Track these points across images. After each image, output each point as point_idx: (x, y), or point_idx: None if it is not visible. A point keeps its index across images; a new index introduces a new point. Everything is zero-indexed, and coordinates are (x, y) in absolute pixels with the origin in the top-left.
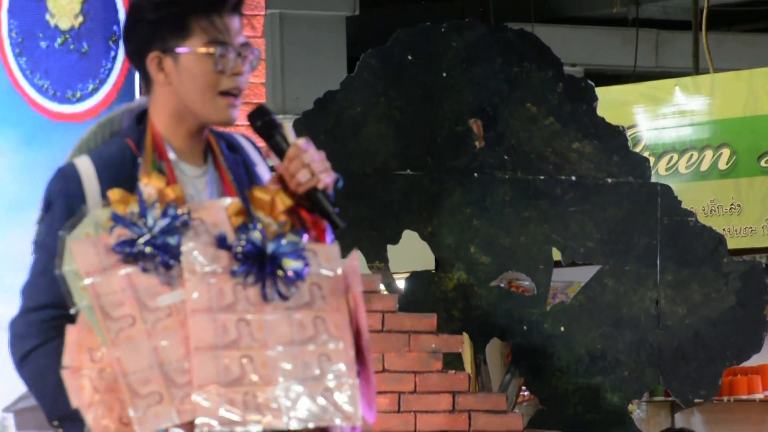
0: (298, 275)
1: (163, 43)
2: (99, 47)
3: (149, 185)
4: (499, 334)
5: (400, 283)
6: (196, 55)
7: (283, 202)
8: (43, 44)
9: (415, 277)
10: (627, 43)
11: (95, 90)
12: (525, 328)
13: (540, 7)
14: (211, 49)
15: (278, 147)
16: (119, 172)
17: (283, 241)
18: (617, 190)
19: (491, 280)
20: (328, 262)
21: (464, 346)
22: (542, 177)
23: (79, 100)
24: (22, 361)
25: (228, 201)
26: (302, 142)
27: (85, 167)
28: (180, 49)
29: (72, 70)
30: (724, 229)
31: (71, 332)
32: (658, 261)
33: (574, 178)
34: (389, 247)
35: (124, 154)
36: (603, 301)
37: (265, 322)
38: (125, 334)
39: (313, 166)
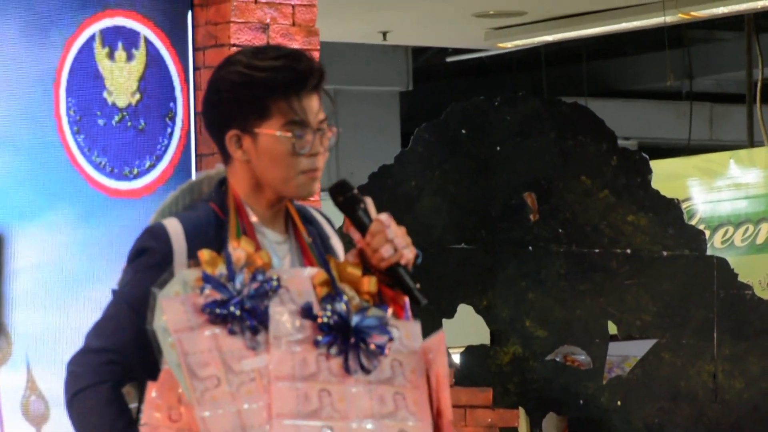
0: (381, 349)
1: (242, 122)
2: (156, 124)
3: (238, 249)
4: (556, 408)
5: (456, 358)
6: (274, 137)
7: (370, 284)
8: (100, 122)
9: (470, 351)
10: (681, 117)
11: (152, 166)
12: (581, 402)
13: (592, 81)
14: (289, 133)
15: (360, 222)
16: (205, 234)
17: (368, 315)
18: (673, 263)
19: (547, 354)
20: (409, 338)
21: (520, 420)
22: (597, 250)
23: (136, 176)
24: (72, 398)
25: (314, 271)
26: (384, 217)
27: (174, 227)
28: (259, 131)
29: (129, 147)
30: None
31: (151, 389)
32: (715, 334)
33: (629, 251)
34: (444, 321)
35: (209, 217)
36: (660, 374)
37: (347, 393)
38: (210, 395)
39: (396, 241)
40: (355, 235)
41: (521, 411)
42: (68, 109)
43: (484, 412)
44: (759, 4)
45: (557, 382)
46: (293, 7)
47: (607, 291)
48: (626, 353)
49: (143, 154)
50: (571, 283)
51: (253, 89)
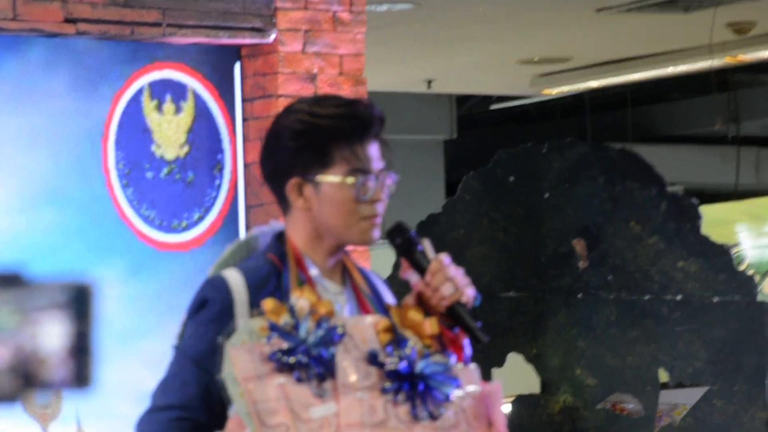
0: (447, 397)
1: (303, 170)
2: (204, 176)
3: (301, 298)
4: None
5: (506, 407)
6: (337, 184)
7: (432, 326)
8: (149, 175)
9: (521, 401)
10: (727, 161)
11: (201, 218)
12: None
13: (637, 127)
14: (353, 179)
15: (419, 263)
16: (265, 284)
17: (432, 361)
18: (724, 309)
19: (598, 402)
20: (469, 385)
21: None
22: (647, 297)
23: (185, 229)
24: None
25: (376, 318)
26: (443, 256)
27: (234, 278)
28: (321, 178)
29: (178, 200)
30: None
31: None
32: (767, 381)
33: (679, 297)
34: (494, 370)
35: (268, 267)
36: (712, 422)
37: None
38: None
39: (456, 279)
40: (413, 277)
41: None
42: (117, 162)
43: None
44: None
45: (609, 431)
46: (341, 56)
47: (658, 338)
48: (676, 401)
49: (192, 207)
50: (621, 330)
51: (317, 137)
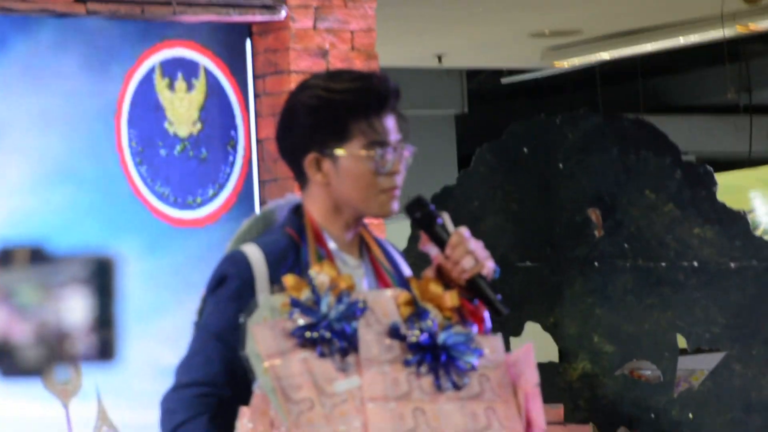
0: (471, 366)
1: (321, 146)
2: (218, 153)
3: (321, 273)
4: (627, 423)
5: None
6: (356, 158)
7: (452, 299)
8: (162, 152)
9: (539, 369)
10: (739, 130)
11: (215, 195)
12: (652, 416)
13: (649, 98)
14: (371, 152)
15: (439, 236)
16: (284, 259)
17: (453, 332)
18: (741, 275)
19: (616, 369)
20: (493, 353)
21: None
22: (664, 264)
23: (200, 205)
24: None
25: (396, 291)
26: (463, 229)
27: (254, 253)
28: (340, 152)
29: (192, 177)
30: None
31: (243, 415)
32: None
33: (696, 263)
34: (512, 339)
35: (287, 242)
36: (731, 386)
37: (441, 411)
38: (305, 417)
39: (477, 253)
40: (432, 250)
41: (592, 426)
42: (130, 140)
43: (555, 429)
44: None
45: (627, 397)
46: (352, 32)
47: (675, 304)
48: (693, 367)
49: (206, 183)
50: (638, 297)
51: (334, 111)
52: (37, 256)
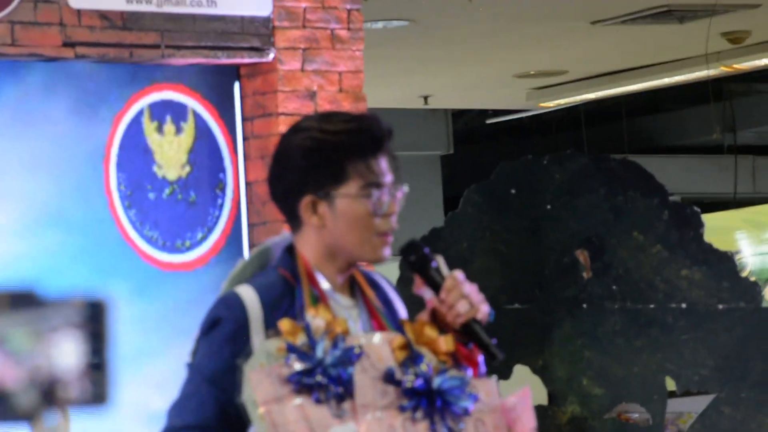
0: (466, 411)
1: (317, 188)
2: (206, 196)
3: (317, 318)
4: None
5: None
6: (352, 199)
7: (447, 343)
8: (151, 195)
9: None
10: (723, 170)
11: (204, 238)
12: None
13: (632, 138)
14: (368, 194)
15: (433, 280)
16: (279, 302)
17: (448, 376)
18: (729, 316)
19: (605, 412)
20: (488, 397)
21: None
22: (652, 306)
23: (189, 248)
24: None
25: (391, 335)
26: (458, 273)
27: (248, 295)
28: (337, 194)
29: (180, 220)
30: None
31: None
32: None
33: (684, 305)
34: (501, 382)
35: (281, 284)
36: (720, 429)
37: None
38: None
39: (471, 297)
40: (427, 293)
41: None
42: (119, 184)
43: None
44: None
45: None
46: (340, 74)
47: (663, 346)
48: (681, 410)
49: (195, 226)
50: (627, 339)
51: (330, 153)
52: (29, 300)
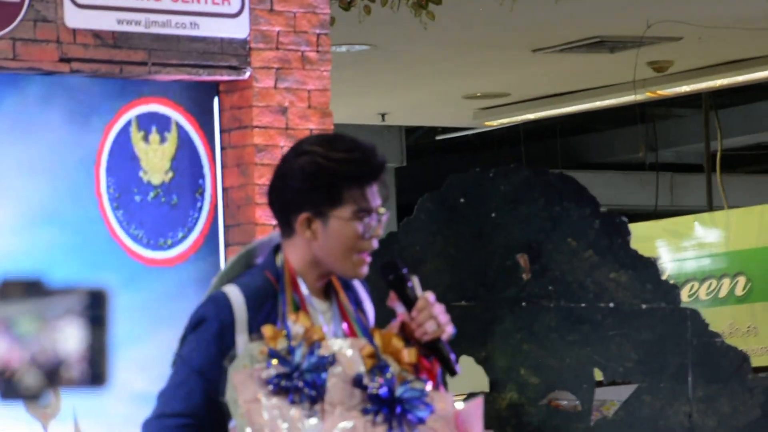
0: (421, 420)
1: (314, 207)
2: (187, 199)
3: (297, 324)
4: None
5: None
6: (345, 222)
7: (410, 355)
8: (137, 198)
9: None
10: (645, 185)
11: (184, 237)
12: None
13: (566, 155)
14: (360, 218)
15: (407, 298)
16: (263, 304)
17: (410, 387)
18: (651, 315)
19: (540, 399)
20: (443, 409)
21: None
22: (583, 305)
23: (170, 246)
24: None
25: (361, 343)
26: (429, 294)
27: (236, 296)
28: (332, 216)
29: (163, 221)
30: (741, 350)
31: None
32: (689, 378)
33: (612, 305)
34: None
35: (266, 286)
36: (641, 415)
37: None
38: None
39: (440, 318)
40: (399, 308)
41: None
42: (108, 187)
43: None
44: (717, 83)
45: (550, 425)
46: (309, 91)
47: (593, 341)
48: (604, 398)
49: (176, 227)
50: (560, 334)
51: (330, 179)
52: (36, 288)
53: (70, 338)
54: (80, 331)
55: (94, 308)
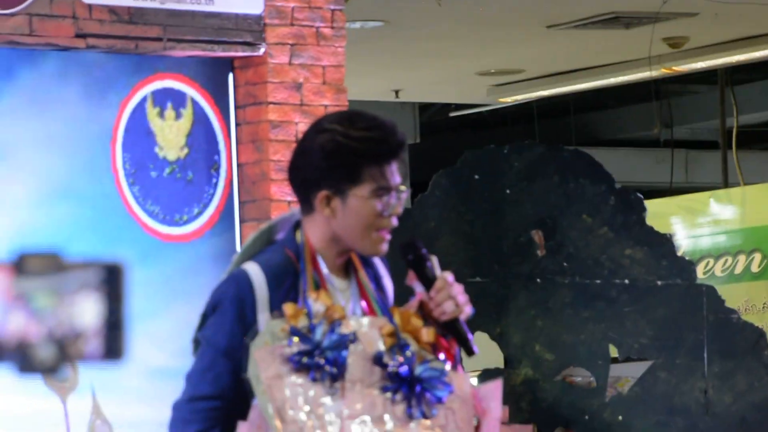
0: (440, 399)
1: (333, 185)
2: (202, 175)
3: (318, 302)
4: (564, 424)
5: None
6: (364, 199)
7: (429, 335)
8: (153, 174)
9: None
10: (660, 162)
11: (200, 213)
12: (587, 417)
13: (579, 132)
14: (379, 196)
15: (426, 278)
16: (283, 281)
17: (429, 366)
18: (667, 291)
19: (555, 375)
20: (461, 389)
21: None
22: (598, 281)
23: (186, 222)
24: None
25: (381, 321)
26: (448, 275)
27: (256, 274)
28: (351, 194)
29: (179, 196)
30: (758, 326)
31: (241, 428)
32: (705, 354)
33: (627, 281)
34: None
35: (286, 264)
36: (656, 391)
37: None
38: None
39: (458, 298)
40: (418, 287)
41: (533, 427)
42: (124, 163)
43: (500, 428)
44: (733, 59)
45: (565, 400)
46: (323, 67)
47: (608, 318)
48: (619, 374)
49: (191, 203)
50: (575, 311)
51: (350, 157)
52: (53, 262)
53: (86, 312)
54: (97, 305)
55: (110, 282)
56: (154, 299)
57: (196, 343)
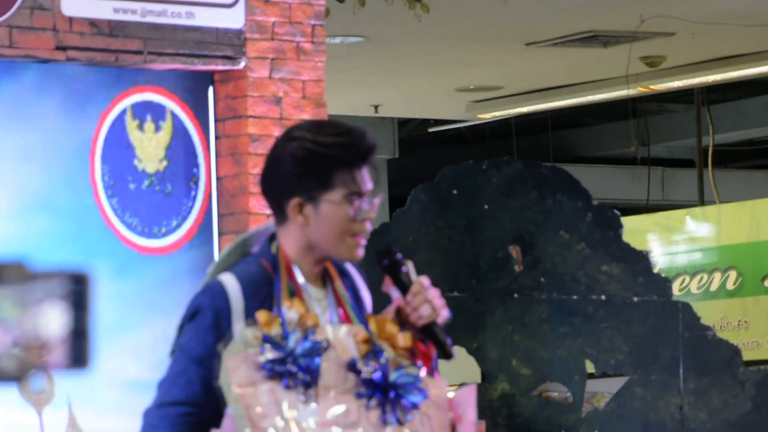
0: (415, 405)
1: (305, 192)
2: (181, 188)
3: (291, 310)
4: None
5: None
6: (336, 205)
7: (405, 340)
8: (132, 186)
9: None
10: (636, 180)
11: (178, 226)
12: None
13: (558, 148)
14: (350, 201)
15: (402, 283)
16: (258, 291)
17: (404, 372)
18: (643, 308)
19: (532, 390)
20: (437, 396)
21: None
22: (575, 297)
23: (164, 235)
24: None
25: (356, 329)
26: (424, 279)
27: (232, 285)
28: (323, 200)
29: (158, 209)
30: (733, 343)
31: None
32: (681, 371)
33: (603, 297)
34: (440, 362)
35: (262, 274)
36: (632, 407)
37: None
38: None
39: (434, 302)
40: (394, 293)
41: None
42: (103, 175)
43: None
44: (709, 79)
45: (541, 415)
46: (303, 82)
47: (584, 333)
48: (595, 390)
49: (170, 215)
50: (552, 326)
51: (320, 163)
52: (18, 271)
53: (52, 321)
54: (62, 314)
55: (77, 292)
56: (132, 311)
57: (173, 353)
